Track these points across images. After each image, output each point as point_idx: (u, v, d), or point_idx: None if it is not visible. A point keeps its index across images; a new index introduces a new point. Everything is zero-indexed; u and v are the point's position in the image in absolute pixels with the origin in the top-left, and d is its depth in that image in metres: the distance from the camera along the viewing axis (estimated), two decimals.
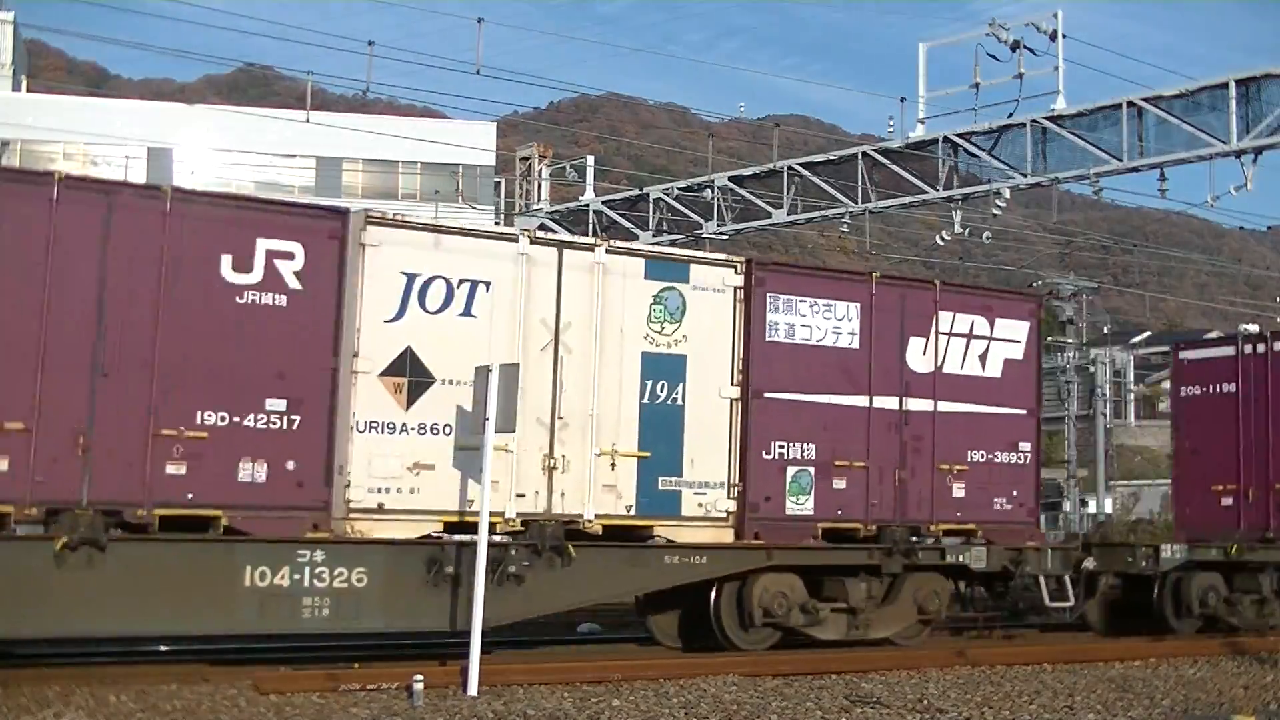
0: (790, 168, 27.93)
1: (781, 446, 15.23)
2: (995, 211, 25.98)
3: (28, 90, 60.60)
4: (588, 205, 31.11)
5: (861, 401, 15.81)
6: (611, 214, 30.43)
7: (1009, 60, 24.89)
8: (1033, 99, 25.07)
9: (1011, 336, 17.05)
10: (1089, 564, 18.03)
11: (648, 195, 29.86)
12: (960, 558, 16.27)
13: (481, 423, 12.43)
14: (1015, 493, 16.85)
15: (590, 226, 30.39)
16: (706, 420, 14.79)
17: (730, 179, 28.85)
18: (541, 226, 31.45)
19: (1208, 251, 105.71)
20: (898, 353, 16.12)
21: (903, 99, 26.56)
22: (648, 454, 14.41)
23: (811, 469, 15.40)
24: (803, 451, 15.37)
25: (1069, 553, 17.57)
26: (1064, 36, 24.32)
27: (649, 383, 14.51)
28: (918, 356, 16.27)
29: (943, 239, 28.57)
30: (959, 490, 16.39)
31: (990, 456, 16.66)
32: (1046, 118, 24.71)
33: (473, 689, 12.03)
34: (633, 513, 14.32)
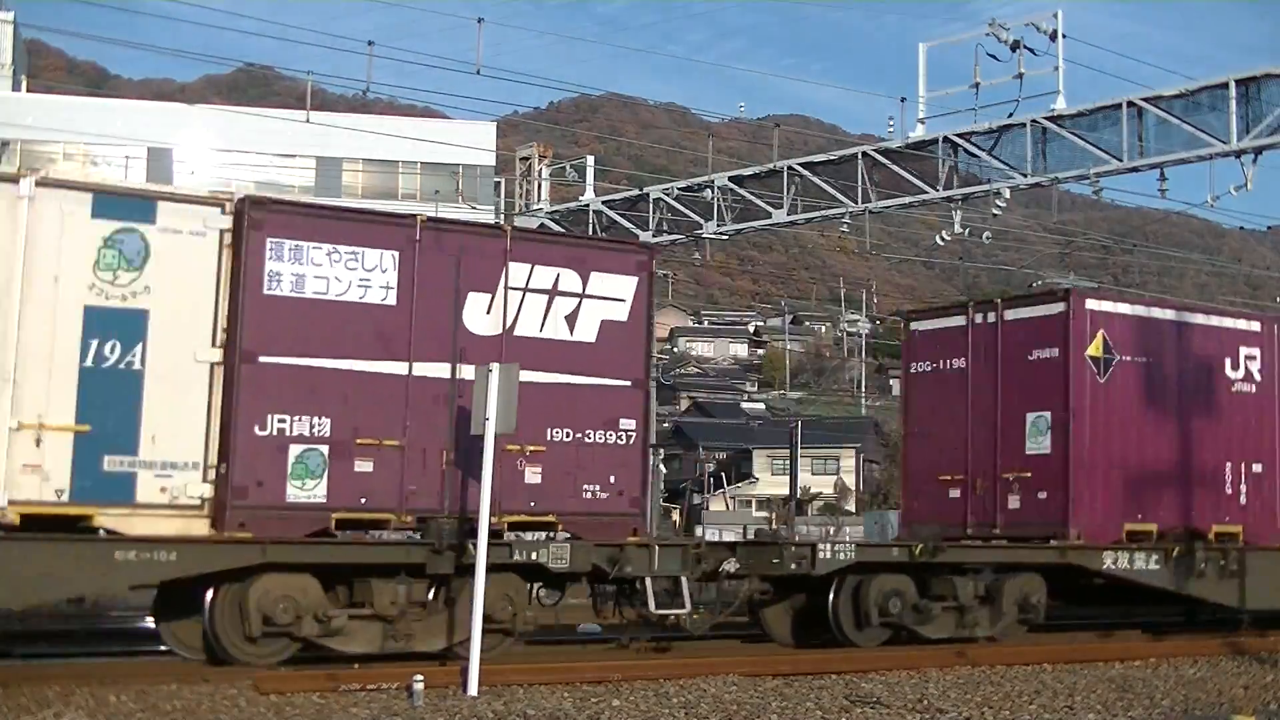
0: (790, 168, 27.93)
1: (282, 421, 12.82)
2: (995, 211, 25.98)
3: (28, 90, 60.61)
4: (588, 205, 31.12)
5: (397, 368, 13.45)
6: (611, 214, 30.43)
7: (1009, 60, 24.91)
8: (1033, 99, 25.10)
9: (612, 294, 14.54)
10: (731, 565, 15.43)
11: (648, 195, 29.87)
12: (534, 555, 13.76)
13: (482, 423, 12.45)
14: (614, 479, 14.33)
15: (590, 226, 30.39)
16: (176, 389, 12.47)
17: (730, 179, 28.85)
18: (541, 226, 31.49)
19: (1208, 251, 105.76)
20: (451, 311, 13.76)
21: (903, 99, 26.60)
22: (88, 428, 12.10)
23: (324, 448, 12.99)
24: (313, 427, 12.98)
25: (688, 550, 15.00)
26: (1064, 36, 24.35)
27: (94, 342, 12.18)
28: (479, 316, 13.89)
29: (943, 239, 28.60)
30: (534, 475, 13.94)
31: (579, 436, 14.22)
32: (1046, 118, 24.71)
33: (473, 689, 12.03)
34: (64, 498, 11.96)
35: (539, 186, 32.82)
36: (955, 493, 18.34)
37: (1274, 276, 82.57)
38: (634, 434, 14.52)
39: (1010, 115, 25.35)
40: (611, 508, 14.39)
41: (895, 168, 26.54)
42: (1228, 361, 18.94)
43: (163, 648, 14.80)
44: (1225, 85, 22.47)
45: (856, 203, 26.94)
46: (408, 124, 56.85)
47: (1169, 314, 18.72)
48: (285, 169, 54.53)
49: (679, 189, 29.90)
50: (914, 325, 19.65)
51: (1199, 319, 19.03)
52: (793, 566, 15.51)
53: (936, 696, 12.72)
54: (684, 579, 14.78)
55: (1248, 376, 19.12)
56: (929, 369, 19.03)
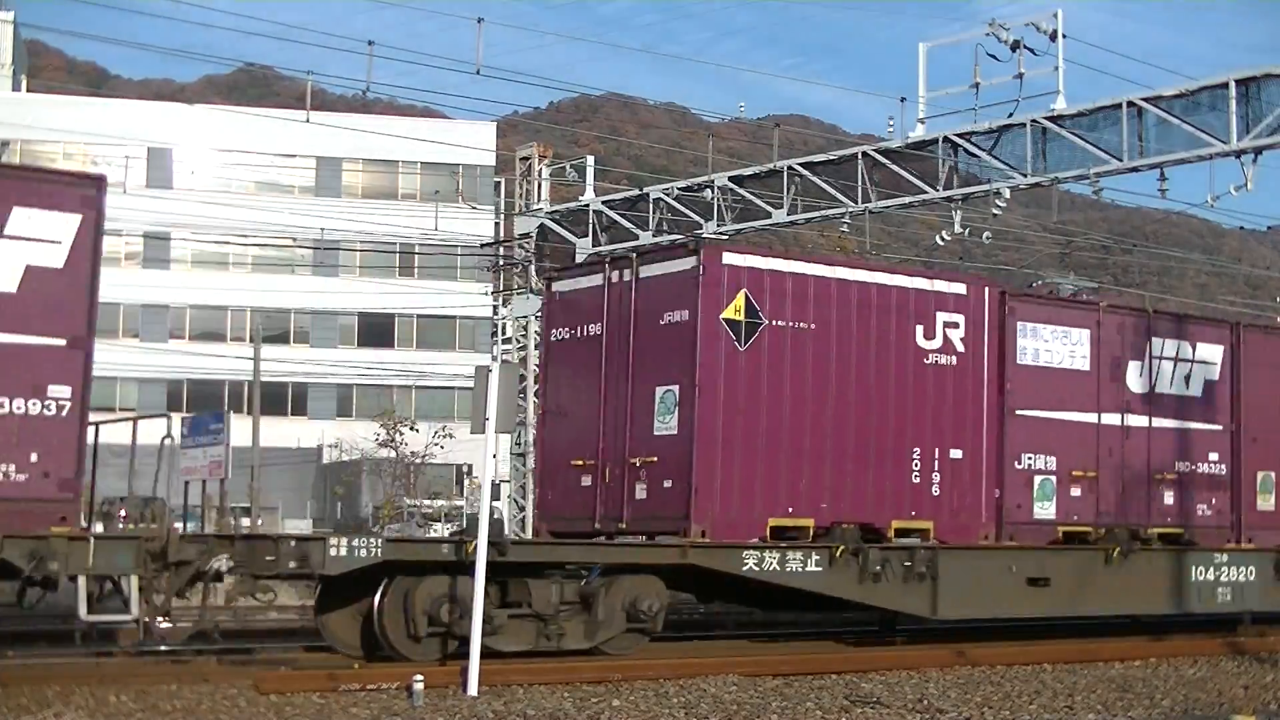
0: (790, 168, 27.90)
1: None
2: (995, 211, 25.95)
3: (28, 90, 60.66)
4: (588, 205, 31.11)
5: None
6: (611, 214, 30.42)
7: (1009, 60, 24.85)
8: (1033, 99, 25.05)
9: (41, 234, 12.09)
10: (223, 563, 12.95)
11: (648, 195, 29.85)
12: None
13: (482, 423, 12.45)
14: (36, 457, 11.92)
15: (590, 226, 30.40)
16: None
17: (730, 179, 28.83)
18: (541, 227, 31.52)
19: (1208, 251, 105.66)
20: None
21: (903, 99, 26.54)
22: None
23: None
24: None
25: (141, 544, 12.39)
26: (1064, 36, 24.30)
27: None
28: None
29: (943, 239, 28.54)
30: None
31: None
32: (1046, 118, 24.69)
33: (473, 689, 12.04)
34: None
35: (539, 186, 32.82)
36: (587, 480, 15.96)
37: (1274, 276, 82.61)
38: (68, 403, 12.05)
39: (1010, 115, 25.32)
40: (31, 492, 11.87)
41: (895, 168, 26.51)
42: (920, 329, 16.42)
43: (163, 648, 14.80)
44: (1225, 85, 22.44)
45: (856, 203, 26.91)
46: (408, 124, 57.01)
47: (840, 272, 16.19)
48: (285, 169, 54.59)
49: (679, 189, 29.89)
50: (555, 285, 17.17)
51: (881, 278, 16.47)
52: (291, 565, 13.06)
53: (936, 696, 12.72)
54: (132, 579, 12.29)
55: (946, 347, 16.57)
56: (567, 336, 16.63)
